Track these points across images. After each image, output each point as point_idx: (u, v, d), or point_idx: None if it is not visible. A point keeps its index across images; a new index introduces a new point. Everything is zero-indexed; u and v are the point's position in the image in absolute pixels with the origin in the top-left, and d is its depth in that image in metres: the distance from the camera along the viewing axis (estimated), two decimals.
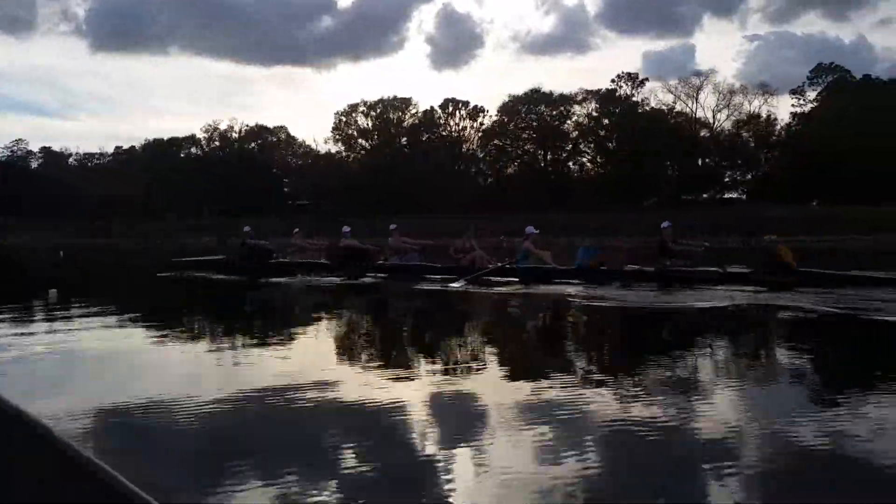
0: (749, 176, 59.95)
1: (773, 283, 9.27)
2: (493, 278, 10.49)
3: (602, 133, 60.94)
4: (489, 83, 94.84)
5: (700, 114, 61.65)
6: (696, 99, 60.99)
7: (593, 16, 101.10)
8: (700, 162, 60.64)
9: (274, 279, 11.80)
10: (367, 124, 69.06)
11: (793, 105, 59.25)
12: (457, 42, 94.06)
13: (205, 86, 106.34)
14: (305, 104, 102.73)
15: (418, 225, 45.33)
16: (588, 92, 62.99)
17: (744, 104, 59.23)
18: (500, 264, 11.12)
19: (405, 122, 68.40)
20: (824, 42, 78.77)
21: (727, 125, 60.24)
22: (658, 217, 14.88)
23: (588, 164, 63.96)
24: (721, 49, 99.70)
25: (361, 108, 69.30)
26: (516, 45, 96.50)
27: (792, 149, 53.33)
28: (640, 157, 55.19)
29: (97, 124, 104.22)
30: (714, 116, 60.89)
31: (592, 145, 61.76)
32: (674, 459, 2.67)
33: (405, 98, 68.95)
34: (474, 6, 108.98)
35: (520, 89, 64.96)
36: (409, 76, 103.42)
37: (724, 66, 64.03)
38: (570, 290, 9.15)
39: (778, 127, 58.09)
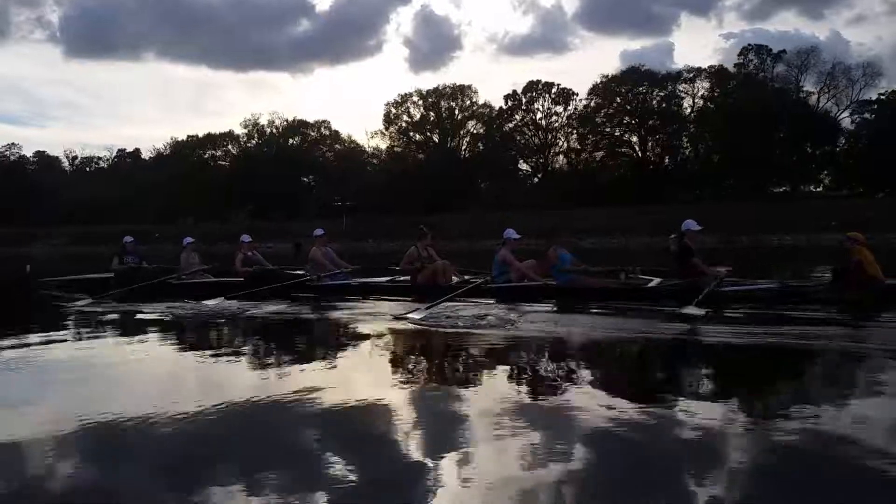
0: None
1: (846, 303, 7.58)
2: (459, 301, 8.62)
3: (720, 114, 58.03)
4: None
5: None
6: (798, 80, 59.91)
7: (571, 16, 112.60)
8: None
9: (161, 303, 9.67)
10: (417, 115, 70.22)
11: None
12: (435, 44, 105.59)
13: (178, 92, 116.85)
14: (283, 109, 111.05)
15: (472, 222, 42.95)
16: (694, 69, 62.37)
17: (849, 87, 58.29)
18: (467, 278, 9.84)
19: (467, 112, 69.36)
20: (799, 39, 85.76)
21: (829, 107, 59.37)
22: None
23: (701, 150, 62.26)
24: (698, 47, 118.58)
25: (414, 98, 70.32)
26: (494, 47, 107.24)
27: None
28: (771, 141, 53.60)
29: (65, 132, 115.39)
30: (818, 99, 59.49)
31: (709, 128, 58.72)
32: (657, 465, 2.94)
33: (464, 86, 69.91)
34: (452, 8, 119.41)
35: (498, 90, 68.05)
36: (387, 79, 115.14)
37: (702, 64, 68.68)
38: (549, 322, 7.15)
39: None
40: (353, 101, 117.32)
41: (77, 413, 3.87)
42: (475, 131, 69.74)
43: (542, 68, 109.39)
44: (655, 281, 8.79)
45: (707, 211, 35.17)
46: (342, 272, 10.85)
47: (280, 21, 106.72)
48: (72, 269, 13.56)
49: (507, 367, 5.17)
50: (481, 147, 68.44)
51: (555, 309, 8.10)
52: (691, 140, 61.55)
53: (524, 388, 4.48)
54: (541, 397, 4.19)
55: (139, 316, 8.88)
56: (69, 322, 8.33)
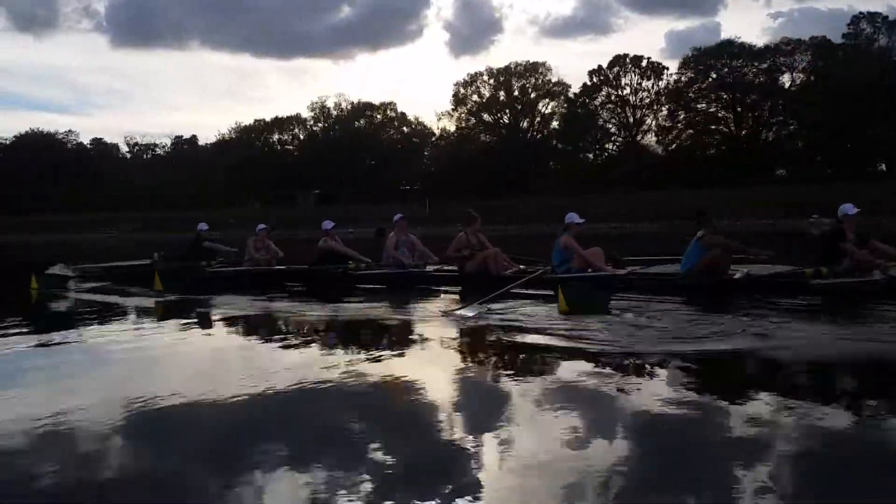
0: None
1: None
2: (513, 292, 7.95)
3: (827, 88, 54.55)
4: None
5: None
6: None
7: None
8: None
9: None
10: (487, 95, 69.60)
11: None
12: (476, 28, 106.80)
13: (222, 79, 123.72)
14: (325, 95, 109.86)
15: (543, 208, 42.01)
16: (792, 41, 59.73)
17: None
18: (522, 267, 9.31)
19: (541, 90, 68.46)
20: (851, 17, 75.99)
21: None
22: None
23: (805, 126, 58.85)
24: (746, 27, 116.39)
25: (484, 77, 69.90)
26: (535, 29, 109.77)
27: None
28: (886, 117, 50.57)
29: (110, 120, 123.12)
30: None
31: (816, 103, 55.22)
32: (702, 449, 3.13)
33: (537, 62, 68.88)
34: None
35: None
36: (428, 64, 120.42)
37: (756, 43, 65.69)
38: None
39: None
40: (396, 86, 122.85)
41: (124, 395, 4.10)
42: (547, 111, 68.92)
43: (585, 50, 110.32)
44: (740, 272, 8.13)
45: (824, 191, 33.13)
46: (416, 262, 10.21)
47: (322, 7, 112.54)
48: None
49: (563, 369, 4.84)
50: (556, 126, 67.58)
51: (624, 303, 7.45)
52: (795, 116, 58.41)
53: (577, 390, 4.19)
54: (594, 398, 3.99)
55: (185, 304, 9.01)
56: (112, 308, 8.63)
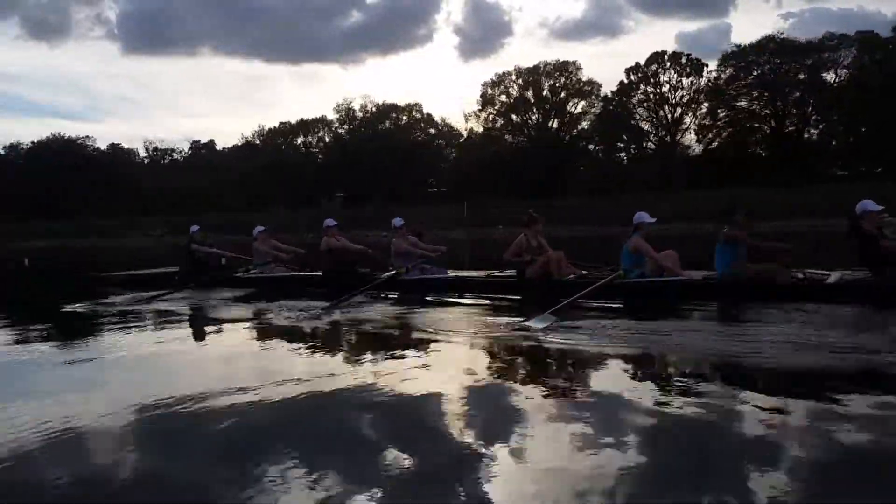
0: None
1: None
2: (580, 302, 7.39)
3: (876, 84, 52.98)
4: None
5: None
6: None
7: None
8: None
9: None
10: (515, 95, 69.23)
11: None
12: (485, 31, 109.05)
13: (233, 85, 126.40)
14: (336, 101, 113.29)
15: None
16: (836, 36, 57.74)
17: None
18: (585, 273, 8.77)
19: (571, 90, 67.98)
20: (863, 17, 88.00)
21: None
22: None
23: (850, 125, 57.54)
24: (756, 28, 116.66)
25: (512, 76, 69.55)
26: (545, 32, 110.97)
27: None
28: None
29: (123, 127, 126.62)
30: None
31: (864, 100, 53.70)
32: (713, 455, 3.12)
33: (567, 62, 68.33)
34: None
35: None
36: (438, 68, 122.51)
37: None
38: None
39: None
40: (407, 89, 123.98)
41: (138, 401, 4.19)
42: (577, 110, 68.51)
43: (595, 52, 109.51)
44: (834, 276, 7.50)
45: (873, 190, 31.88)
46: (432, 257, 10.12)
47: (332, 13, 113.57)
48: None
49: (621, 380, 4.54)
50: (586, 126, 67.17)
51: (708, 313, 7.02)
52: (841, 114, 56.77)
53: (628, 400, 3.96)
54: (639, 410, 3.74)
55: (200, 309, 9.05)
56: (129, 315, 8.59)
